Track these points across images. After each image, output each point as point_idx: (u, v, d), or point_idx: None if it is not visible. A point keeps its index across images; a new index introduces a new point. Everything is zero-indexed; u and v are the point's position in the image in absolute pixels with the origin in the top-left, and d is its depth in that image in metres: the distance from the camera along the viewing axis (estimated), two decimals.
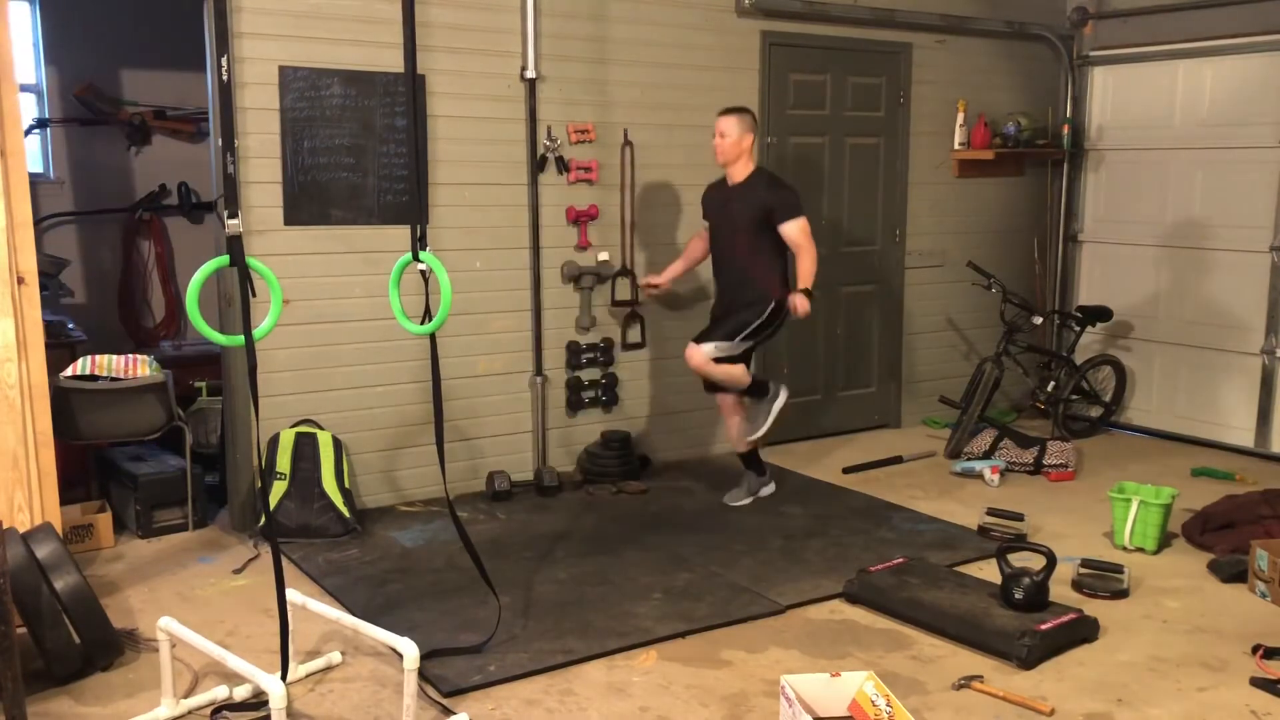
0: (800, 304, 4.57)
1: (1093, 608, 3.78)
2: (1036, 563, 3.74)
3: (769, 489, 5.12)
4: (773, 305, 4.69)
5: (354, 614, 3.49)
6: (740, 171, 4.72)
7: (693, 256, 5.09)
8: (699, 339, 4.76)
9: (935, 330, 6.66)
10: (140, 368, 4.61)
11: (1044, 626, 3.48)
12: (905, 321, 6.52)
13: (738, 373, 4.77)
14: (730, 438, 5.07)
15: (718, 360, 4.69)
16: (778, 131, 5.86)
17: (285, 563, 3.91)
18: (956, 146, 6.49)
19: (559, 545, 4.48)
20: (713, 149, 4.74)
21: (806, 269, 4.62)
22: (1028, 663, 3.40)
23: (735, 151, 4.67)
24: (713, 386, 4.90)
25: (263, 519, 4.36)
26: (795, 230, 4.62)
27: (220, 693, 3.17)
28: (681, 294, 5.57)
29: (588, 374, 5.45)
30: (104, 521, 4.47)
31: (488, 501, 5.05)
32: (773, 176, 4.85)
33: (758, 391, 4.90)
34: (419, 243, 3.40)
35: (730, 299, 4.82)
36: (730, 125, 4.66)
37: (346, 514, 4.57)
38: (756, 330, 4.71)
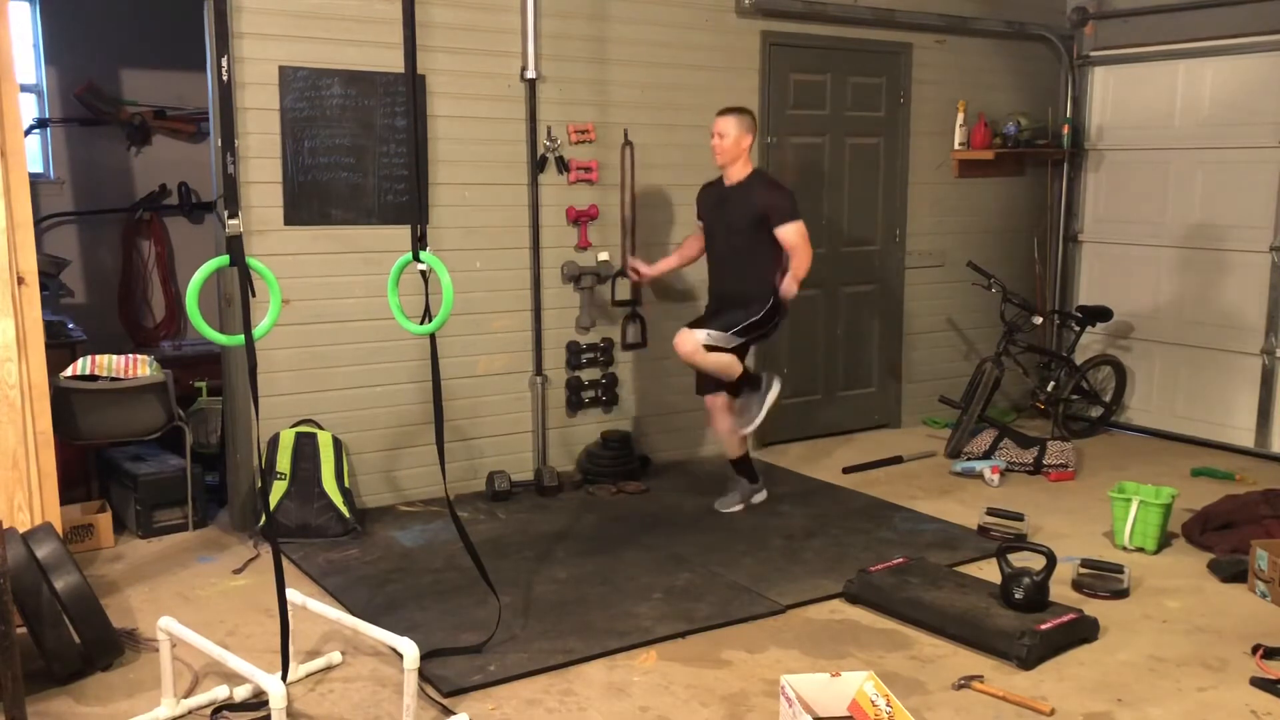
0: (789, 288, 4.59)
1: (1093, 608, 3.78)
2: (1036, 563, 3.74)
3: (761, 495, 5.02)
4: (770, 305, 4.66)
5: (354, 614, 3.49)
6: (738, 173, 4.68)
7: (687, 255, 5.03)
8: (693, 324, 4.71)
9: (935, 330, 6.66)
10: (140, 368, 4.60)
11: (1044, 626, 3.48)
12: (905, 321, 6.52)
13: (727, 360, 4.62)
14: (721, 441, 5.01)
15: (709, 349, 4.58)
16: (778, 131, 5.86)
17: (285, 563, 3.92)
18: (956, 146, 6.49)
19: (559, 545, 4.48)
20: (711, 149, 4.71)
21: (799, 268, 4.60)
22: (1028, 663, 3.40)
23: (734, 152, 4.64)
24: (704, 387, 4.81)
25: (263, 519, 4.36)
26: (792, 234, 4.58)
27: (220, 693, 3.17)
28: (681, 291, 5.57)
29: (588, 374, 5.45)
30: (104, 521, 4.47)
31: (488, 501, 5.05)
32: (770, 179, 4.82)
33: (749, 384, 4.84)
34: (419, 243, 3.40)
35: (725, 300, 4.77)
36: (729, 125, 4.63)
37: (346, 514, 4.57)
38: (752, 326, 4.64)
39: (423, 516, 4.84)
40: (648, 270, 5.11)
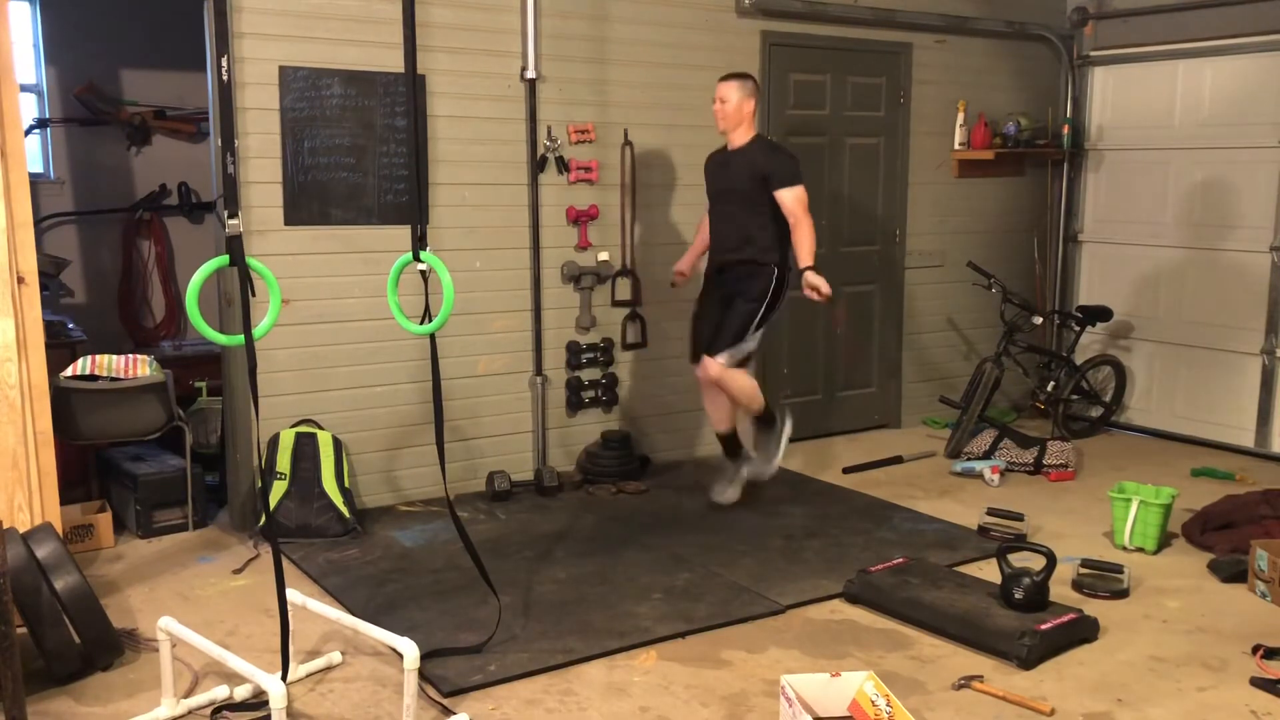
0: (816, 283, 4.48)
1: (1093, 608, 3.78)
2: (1036, 563, 3.74)
3: (786, 430, 4.89)
4: (773, 282, 4.64)
5: (354, 614, 3.49)
6: (740, 137, 4.67)
7: (706, 237, 4.96)
8: (709, 350, 4.70)
9: (935, 330, 6.66)
10: (140, 368, 4.61)
11: (1044, 626, 3.48)
12: (905, 321, 6.52)
13: (750, 388, 4.73)
14: (712, 418, 4.95)
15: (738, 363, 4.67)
16: (778, 131, 5.85)
17: (285, 563, 3.92)
18: (956, 146, 6.49)
19: (559, 545, 4.48)
20: (714, 115, 4.69)
21: (804, 244, 4.53)
22: (1028, 663, 3.40)
23: (736, 118, 4.63)
24: (696, 355, 4.81)
25: (263, 519, 4.36)
26: (791, 198, 4.55)
27: (220, 693, 3.17)
28: (684, 295, 5.56)
29: (588, 374, 5.45)
30: (104, 521, 4.47)
31: (488, 501, 5.05)
32: (773, 143, 4.81)
33: (765, 421, 4.85)
34: (419, 243, 3.40)
35: (725, 269, 4.75)
36: (731, 91, 4.62)
37: (346, 514, 4.56)
38: (763, 317, 4.66)
39: (423, 516, 4.84)
40: (684, 268, 5.06)
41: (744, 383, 4.74)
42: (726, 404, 4.83)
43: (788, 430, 4.92)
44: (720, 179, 4.78)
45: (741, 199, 4.67)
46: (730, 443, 4.97)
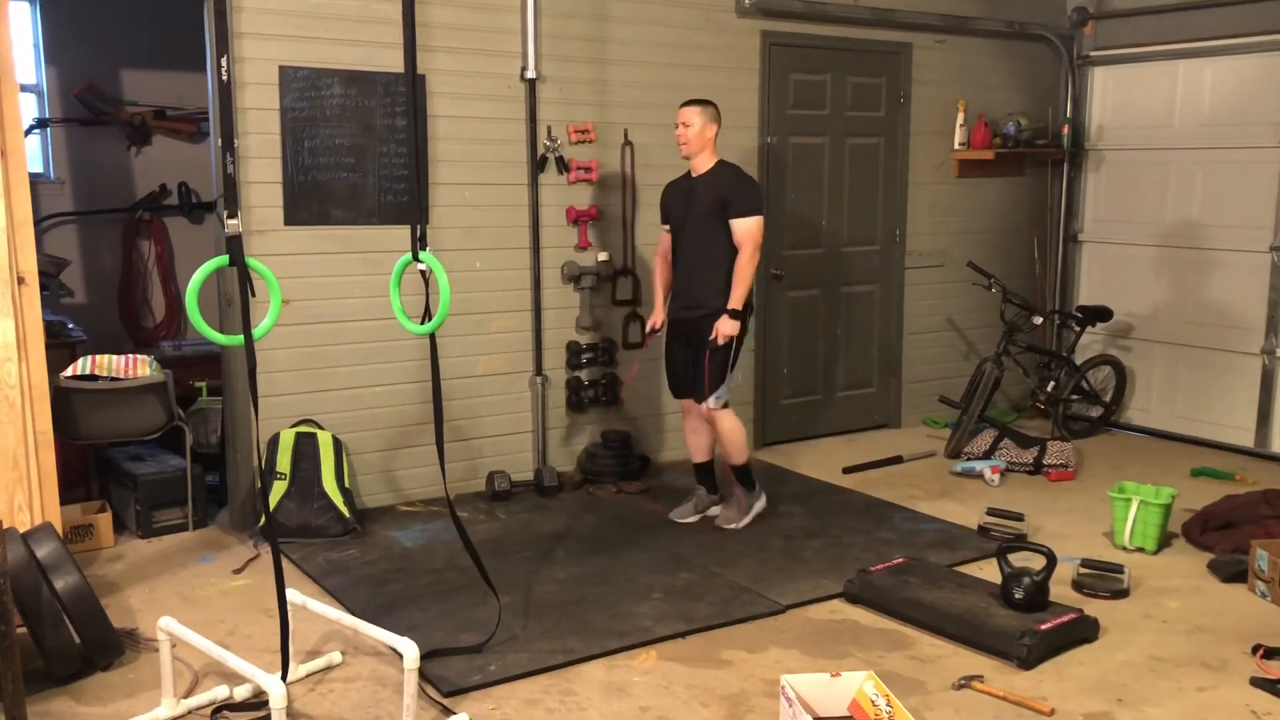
0: (725, 329, 4.42)
1: (1093, 608, 3.78)
2: (1036, 563, 3.74)
3: (760, 503, 4.85)
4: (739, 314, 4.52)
5: (354, 614, 3.49)
6: (704, 163, 4.60)
7: (669, 274, 4.79)
8: (696, 398, 4.60)
9: (935, 330, 6.66)
10: (140, 368, 4.61)
11: (1044, 626, 3.49)
12: (905, 321, 6.52)
13: (739, 438, 4.65)
14: (690, 446, 4.85)
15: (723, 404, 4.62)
16: (778, 131, 5.86)
17: (285, 563, 3.92)
18: (956, 146, 6.49)
19: (559, 545, 4.48)
20: (676, 140, 4.60)
21: (740, 283, 4.42)
22: (1028, 663, 3.40)
23: (699, 143, 4.56)
24: (679, 390, 4.77)
25: (263, 519, 4.36)
26: (745, 228, 4.44)
27: (220, 693, 3.17)
28: None
29: (588, 374, 5.45)
30: (104, 521, 4.47)
31: (488, 501, 5.05)
32: (738, 170, 4.72)
33: (744, 479, 4.79)
34: (419, 243, 3.40)
35: (689, 321, 4.63)
36: (693, 115, 4.55)
37: (346, 514, 4.57)
38: (735, 355, 4.55)
39: (423, 516, 4.84)
40: (659, 318, 4.83)
41: (734, 429, 4.65)
42: (706, 437, 4.75)
43: (760, 505, 4.82)
44: (681, 207, 4.64)
45: (703, 232, 4.54)
46: (705, 473, 4.86)
